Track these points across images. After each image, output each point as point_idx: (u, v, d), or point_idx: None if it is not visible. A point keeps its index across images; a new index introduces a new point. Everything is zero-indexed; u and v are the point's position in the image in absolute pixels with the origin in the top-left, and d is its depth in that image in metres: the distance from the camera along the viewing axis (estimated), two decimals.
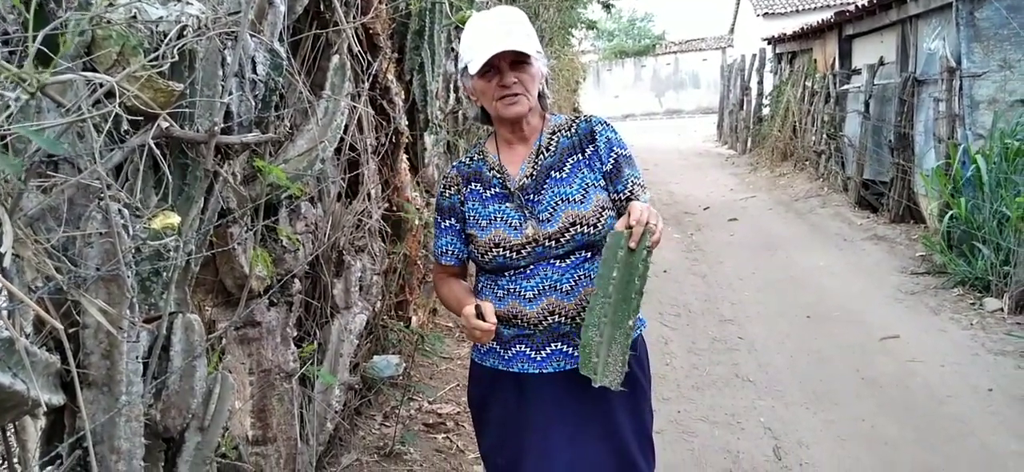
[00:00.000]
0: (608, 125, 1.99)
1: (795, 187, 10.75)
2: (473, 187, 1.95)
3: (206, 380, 1.78)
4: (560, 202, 1.86)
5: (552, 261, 1.85)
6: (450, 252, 1.98)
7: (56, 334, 1.35)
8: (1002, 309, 5.01)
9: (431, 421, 3.61)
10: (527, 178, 1.90)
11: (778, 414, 3.81)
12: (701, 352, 4.73)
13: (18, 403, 1.24)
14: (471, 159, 2.00)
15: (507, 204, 1.90)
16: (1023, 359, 4.27)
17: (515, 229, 1.86)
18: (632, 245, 1.69)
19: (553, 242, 1.84)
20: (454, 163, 2.05)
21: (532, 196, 1.89)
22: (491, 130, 2.01)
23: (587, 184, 1.89)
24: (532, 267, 1.86)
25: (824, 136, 10.52)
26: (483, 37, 1.82)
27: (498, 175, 1.93)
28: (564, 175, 1.90)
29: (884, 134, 8.27)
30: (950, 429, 3.56)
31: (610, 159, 1.92)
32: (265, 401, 2.29)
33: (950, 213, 6.02)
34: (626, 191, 1.91)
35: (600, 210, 1.87)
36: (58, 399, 1.40)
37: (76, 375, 1.38)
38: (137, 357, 1.53)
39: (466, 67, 1.87)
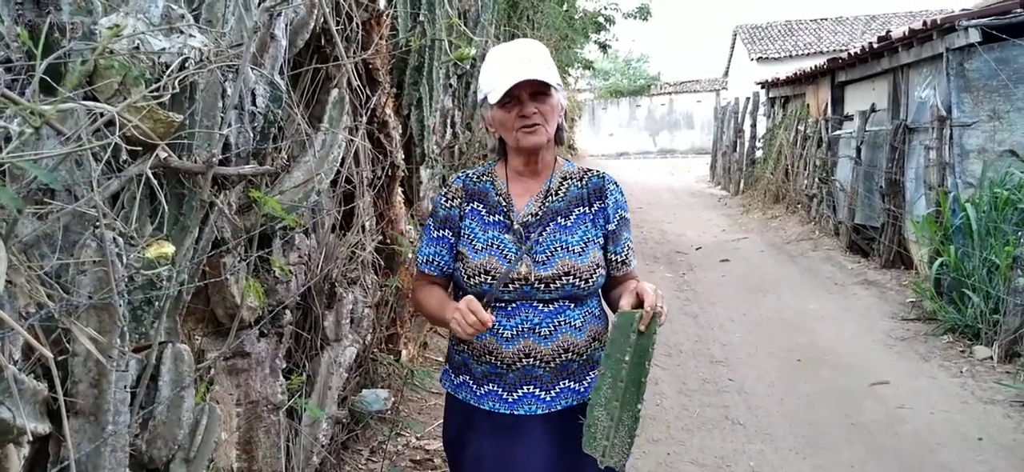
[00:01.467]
0: (618, 186, 2.01)
1: (787, 230, 10.81)
2: (475, 206, 1.93)
3: (193, 411, 1.76)
4: (559, 249, 1.86)
5: (536, 304, 1.84)
6: (436, 263, 1.94)
7: (45, 361, 1.34)
8: (992, 357, 5.02)
9: (418, 457, 3.58)
10: (532, 216, 1.90)
11: (767, 458, 3.80)
12: (691, 393, 4.72)
13: (3, 431, 1.23)
14: (479, 177, 1.98)
15: (506, 235, 1.88)
16: (1012, 408, 4.28)
17: (509, 262, 1.84)
18: (643, 329, 1.70)
19: (543, 286, 1.83)
20: (459, 175, 2.02)
21: (533, 235, 1.88)
22: (499, 158, 2.00)
23: (588, 239, 1.89)
24: (515, 305, 1.84)
25: (816, 180, 10.61)
26: (504, 67, 1.82)
27: (504, 203, 1.92)
28: (569, 223, 1.90)
29: (875, 180, 8.35)
30: None
31: (615, 220, 1.94)
32: (252, 433, 2.27)
33: (940, 260, 6.06)
34: (623, 253, 1.94)
35: (594, 267, 1.88)
36: (44, 427, 1.38)
37: (63, 403, 1.37)
38: (125, 386, 1.52)
39: (486, 98, 1.86)
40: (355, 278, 3.12)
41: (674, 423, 4.25)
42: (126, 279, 1.48)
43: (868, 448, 3.86)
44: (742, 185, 15.27)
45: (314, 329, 2.81)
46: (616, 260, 1.93)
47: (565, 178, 1.96)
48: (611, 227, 1.93)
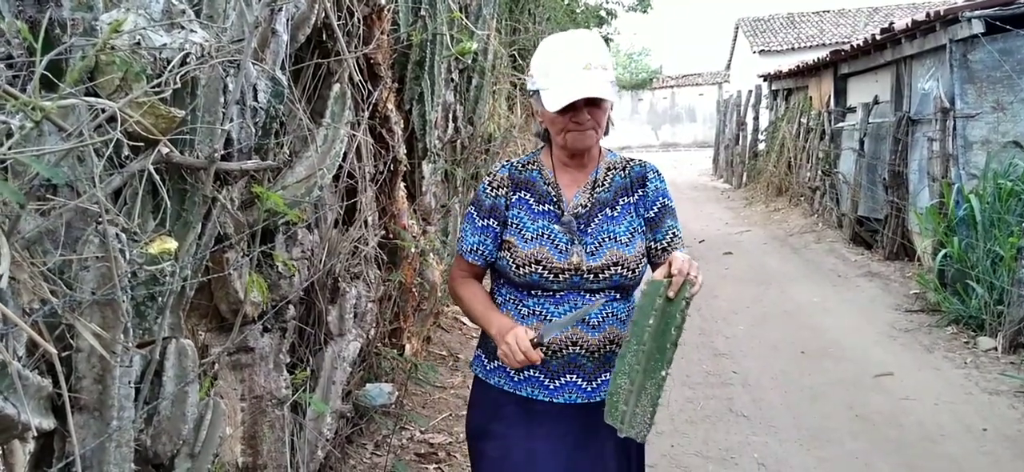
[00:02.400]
0: (659, 174, 2.00)
1: (790, 222, 10.79)
2: (522, 195, 1.91)
3: (198, 406, 1.77)
4: (607, 239, 1.86)
5: (584, 293, 1.84)
6: (480, 252, 1.91)
7: (49, 357, 1.35)
8: (996, 348, 5.01)
9: (423, 451, 3.59)
10: (582, 207, 1.89)
11: (772, 450, 3.80)
12: (695, 386, 4.72)
13: (8, 427, 1.24)
14: (524, 166, 1.95)
15: (556, 225, 1.87)
16: (1017, 399, 4.27)
17: (561, 252, 1.83)
18: (671, 295, 1.68)
19: (593, 276, 1.83)
20: (504, 164, 1.99)
21: (583, 226, 1.87)
22: (544, 145, 1.98)
23: (634, 228, 1.90)
24: (563, 294, 1.84)
25: (819, 172, 10.59)
26: (566, 70, 1.77)
27: (554, 193, 1.90)
28: (615, 214, 1.90)
29: (878, 172, 8.33)
30: (944, 469, 3.55)
31: (656, 206, 1.93)
32: (256, 428, 2.27)
33: (944, 252, 6.05)
34: (664, 240, 1.92)
35: (640, 257, 1.88)
36: (49, 423, 1.39)
37: (68, 399, 1.37)
38: (129, 382, 1.52)
39: (538, 91, 1.83)
40: (358, 273, 3.13)
41: (678, 415, 4.25)
42: (129, 275, 1.48)
43: (872, 440, 3.86)
44: (745, 178, 15.25)
45: (317, 324, 2.81)
46: (657, 248, 1.91)
47: (609, 169, 1.95)
48: (652, 214, 1.92)
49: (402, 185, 3.79)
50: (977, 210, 5.84)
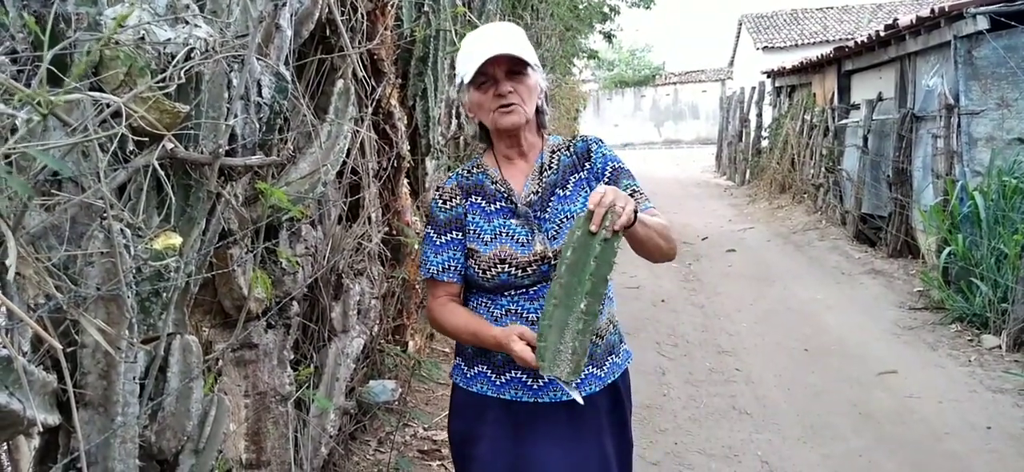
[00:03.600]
0: (602, 142, 1.99)
1: (793, 219, 10.77)
2: (474, 200, 1.90)
3: (202, 402, 1.76)
4: (565, 219, 1.84)
5: None
6: (453, 267, 1.87)
7: (54, 353, 1.34)
8: (1000, 346, 5.00)
9: (426, 448, 3.59)
10: (533, 195, 1.88)
11: (775, 448, 3.79)
12: (699, 383, 4.71)
13: (14, 422, 1.24)
14: (470, 172, 1.95)
15: (512, 220, 1.86)
16: (1021, 397, 4.26)
17: (523, 245, 1.82)
18: (593, 228, 1.62)
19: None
20: (451, 175, 1.99)
21: (539, 213, 1.86)
22: (486, 147, 1.98)
23: None
24: (536, 287, 1.82)
25: (822, 169, 10.57)
26: (477, 47, 1.81)
27: (502, 190, 1.89)
28: (568, 193, 1.89)
29: (882, 169, 8.31)
30: (948, 466, 3.54)
31: (606, 172, 1.91)
32: (260, 424, 2.27)
33: (948, 249, 6.03)
34: None
35: None
36: (54, 419, 1.39)
37: (73, 395, 1.37)
38: (134, 378, 1.52)
39: (462, 81, 1.85)
40: (362, 269, 3.12)
41: (681, 413, 4.25)
42: (134, 270, 1.47)
43: (876, 437, 3.86)
44: (748, 175, 15.23)
45: (321, 320, 2.81)
46: None
47: (554, 151, 1.94)
48: (605, 181, 1.90)
49: (405, 181, 3.79)
50: (981, 207, 5.83)
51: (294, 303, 2.44)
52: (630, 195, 1.85)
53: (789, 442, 3.85)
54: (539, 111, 1.91)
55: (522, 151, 1.92)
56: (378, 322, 3.45)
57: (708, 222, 11.17)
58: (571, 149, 1.95)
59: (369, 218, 3.15)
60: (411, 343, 4.06)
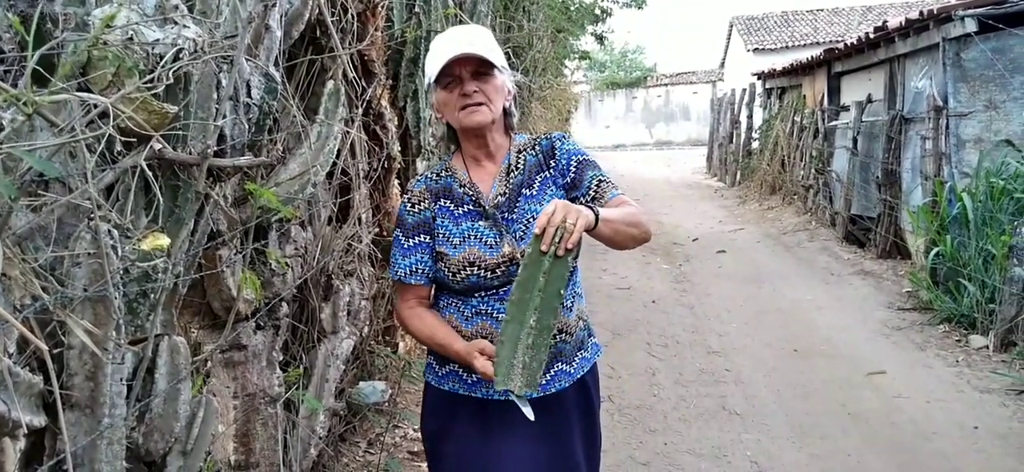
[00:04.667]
0: (566, 138, 1.98)
1: (783, 221, 10.82)
2: (443, 204, 1.90)
3: (190, 404, 1.76)
4: (531, 219, 1.84)
5: None
6: (420, 270, 1.89)
7: (40, 354, 1.34)
8: (987, 346, 5.04)
9: (416, 448, 3.58)
10: (501, 196, 1.88)
11: (764, 448, 3.81)
12: (688, 384, 4.73)
13: None
14: (438, 175, 1.94)
15: (481, 222, 1.86)
16: (1008, 397, 4.29)
17: (491, 247, 1.82)
18: (543, 248, 1.61)
19: None
20: (418, 178, 1.99)
21: (506, 214, 1.87)
22: (455, 148, 1.98)
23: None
24: (506, 288, 1.81)
25: (812, 171, 10.62)
26: (444, 47, 1.81)
27: (470, 192, 1.89)
28: (534, 192, 1.89)
29: (872, 170, 8.36)
30: (935, 466, 3.56)
31: (571, 168, 1.91)
32: (249, 426, 2.26)
33: (936, 250, 6.07)
34: (590, 192, 1.88)
35: None
36: (40, 420, 1.38)
37: (59, 396, 1.37)
38: (121, 379, 1.51)
39: (429, 81, 1.85)
40: (352, 270, 3.12)
41: (671, 413, 4.26)
42: (121, 271, 1.47)
43: (864, 437, 3.88)
44: (738, 176, 15.27)
45: (311, 321, 2.80)
46: (585, 201, 1.86)
47: (520, 151, 1.94)
48: (570, 177, 1.90)
49: (396, 182, 3.78)
50: (969, 208, 5.87)
51: (283, 304, 2.44)
52: (596, 186, 1.88)
53: (778, 442, 3.87)
54: (507, 112, 1.92)
55: (489, 152, 1.92)
56: (368, 323, 3.44)
57: (699, 223, 11.20)
58: (536, 148, 1.95)
59: (359, 219, 3.14)
60: (401, 344, 4.06)
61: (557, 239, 1.61)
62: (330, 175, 2.85)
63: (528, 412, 1.70)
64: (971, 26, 6.35)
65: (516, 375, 1.65)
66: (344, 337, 2.97)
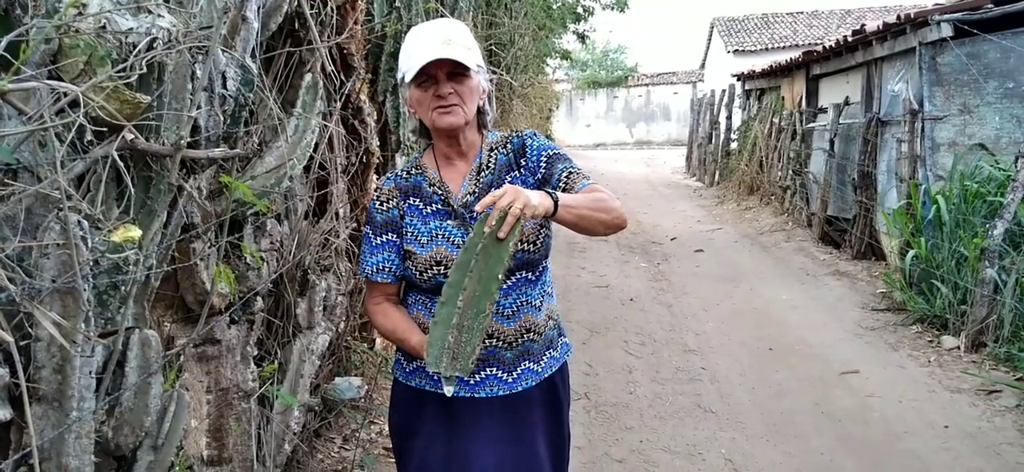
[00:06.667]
0: (537, 135, 1.98)
1: (760, 221, 10.91)
2: (412, 202, 1.90)
3: (161, 397, 1.74)
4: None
5: None
6: (387, 268, 1.89)
7: (6, 346, 1.31)
8: (959, 347, 5.11)
9: (391, 444, 3.57)
10: (470, 195, 1.88)
11: (739, 446, 3.84)
12: (665, 382, 4.75)
13: None
14: (409, 173, 1.94)
15: (449, 222, 1.86)
16: (978, 397, 4.36)
17: (458, 247, 1.81)
18: (486, 229, 1.61)
19: None
20: (388, 176, 1.99)
21: (474, 214, 1.85)
22: (427, 144, 1.97)
23: None
24: None
25: (790, 172, 10.71)
26: (420, 46, 1.79)
27: (439, 191, 1.89)
28: None
29: (848, 172, 8.45)
30: (906, 465, 3.61)
31: (541, 164, 1.91)
32: (222, 420, 2.24)
33: (911, 252, 6.15)
34: (560, 185, 1.87)
35: (540, 227, 1.86)
36: (5, 414, 1.36)
37: (25, 389, 1.34)
38: (90, 372, 1.49)
39: (404, 77, 1.83)
40: (328, 265, 3.10)
41: (647, 411, 4.28)
42: (91, 263, 1.45)
43: (837, 436, 3.92)
44: (717, 177, 15.38)
45: (286, 316, 2.78)
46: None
47: (492, 149, 1.94)
48: (541, 173, 1.90)
49: (374, 177, 3.76)
50: (943, 211, 5.95)
51: (258, 298, 2.41)
52: (566, 177, 1.87)
53: (752, 440, 3.90)
54: (481, 111, 1.91)
55: (461, 151, 1.91)
56: (344, 319, 3.42)
57: (677, 223, 11.26)
58: (508, 146, 1.94)
59: (337, 214, 3.12)
60: (378, 340, 4.04)
61: (500, 222, 1.60)
62: (307, 169, 2.82)
63: (448, 390, 1.70)
64: (947, 31, 6.44)
65: (445, 356, 1.64)
66: (320, 333, 2.95)
